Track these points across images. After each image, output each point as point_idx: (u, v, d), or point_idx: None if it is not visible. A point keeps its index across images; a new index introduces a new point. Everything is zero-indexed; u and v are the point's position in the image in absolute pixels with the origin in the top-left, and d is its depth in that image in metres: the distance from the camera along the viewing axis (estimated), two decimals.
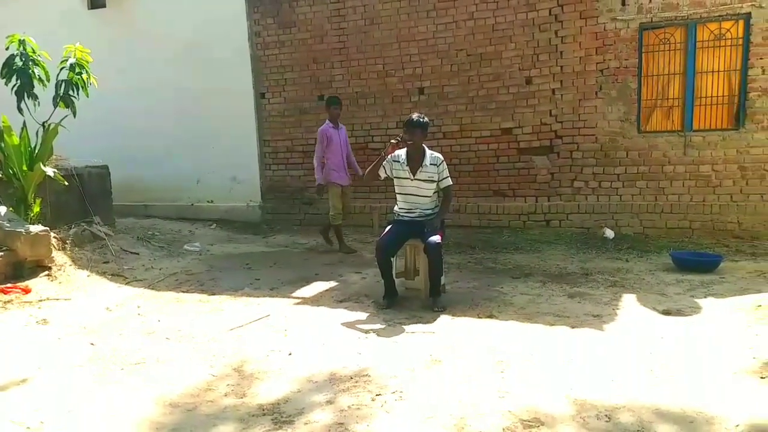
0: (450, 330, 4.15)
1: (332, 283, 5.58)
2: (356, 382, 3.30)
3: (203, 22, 8.89)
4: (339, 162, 6.97)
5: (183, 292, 5.47)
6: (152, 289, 5.58)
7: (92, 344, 4.05)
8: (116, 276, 5.94)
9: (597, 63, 7.21)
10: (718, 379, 3.14)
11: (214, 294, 5.34)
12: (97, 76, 6.43)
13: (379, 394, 3.12)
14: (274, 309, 4.80)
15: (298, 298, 5.17)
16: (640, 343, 3.76)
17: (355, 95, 8.40)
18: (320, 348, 3.86)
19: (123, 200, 8.85)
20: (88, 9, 9.65)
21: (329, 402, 3.07)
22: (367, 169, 5.00)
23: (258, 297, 5.19)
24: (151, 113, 9.31)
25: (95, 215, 7.04)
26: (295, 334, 4.18)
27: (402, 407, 2.98)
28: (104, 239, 6.70)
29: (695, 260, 5.72)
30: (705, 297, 4.73)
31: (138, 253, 6.75)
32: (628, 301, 4.73)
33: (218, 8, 8.84)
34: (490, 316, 4.42)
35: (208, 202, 9.37)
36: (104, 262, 6.26)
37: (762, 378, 3.09)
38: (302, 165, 8.85)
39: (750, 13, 6.59)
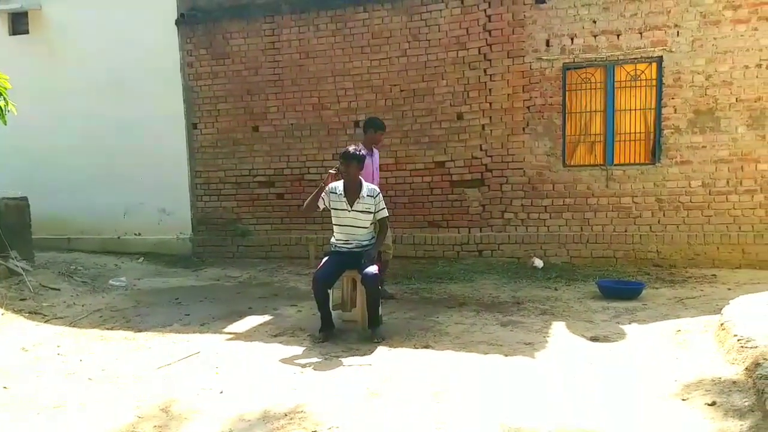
0: (387, 361, 4.13)
1: (266, 317, 5.46)
2: (291, 419, 3.21)
3: (132, 51, 8.70)
4: None
5: (107, 329, 5.21)
6: (74, 326, 5.28)
7: (5, 388, 3.78)
8: (34, 314, 5.60)
9: (524, 100, 7.53)
10: (644, 403, 3.26)
11: (140, 331, 5.11)
12: (17, 103, 6.15)
13: (315, 431, 3.05)
14: (205, 345, 4.64)
15: (230, 333, 5.02)
16: (570, 369, 3.86)
17: (290, 127, 8.40)
18: (253, 385, 3.75)
19: (44, 233, 8.42)
20: (9, 35, 9.29)
21: None
22: (306, 201, 4.98)
23: (188, 333, 5.01)
24: (76, 143, 8.97)
25: (12, 249, 6.65)
26: (226, 371, 4.04)
27: None
28: (21, 275, 6.33)
29: (619, 288, 5.97)
30: (629, 323, 4.93)
31: (59, 289, 6.40)
32: (558, 328, 4.86)
33: (148, 38, 8.69)
34: (427, 346, 4.44)
35: (135, 234, 9.04)
36: (21, 299, 5.90)
37: (683, 400, 3.24)
38: (235, 196, 8.72)
39: (662, 57, 7.08)
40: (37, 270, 6.82)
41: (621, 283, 6.23)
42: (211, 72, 8.66)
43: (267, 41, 8.40)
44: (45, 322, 5.43)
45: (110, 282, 7.02)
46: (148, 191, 8.83)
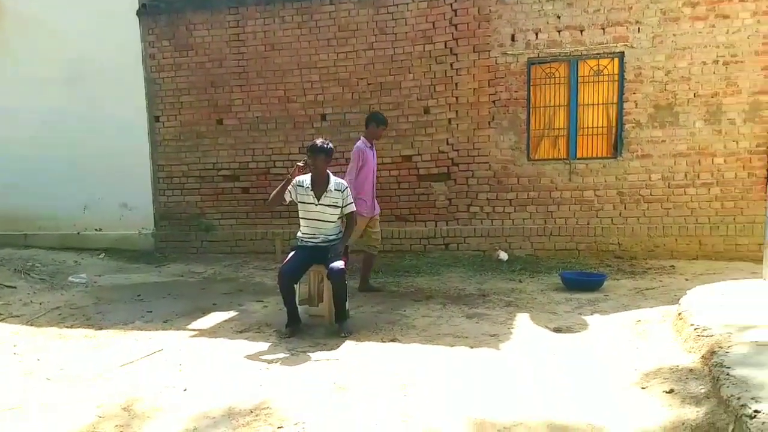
0: (354, 355, 4.12)
1: (231, 313, 5.40)
2: (256, 415, 3.18)
3: (92, 42, 8.47)
4: (369, 188, 5.88)
5: (67, 327, 5.08)
6: (31, 325, 5.13)
7: None
8: None
9: (489, 94, 7.59)
10: (605, 392, 3.33)
11: (101, 328, 5.00)
12: None
13: (281, 427, 3.03)
14: (168, 342, 4.56)
15: (194, 330, 4.94)
16: (534, 360, 3.92)
17: (255, 120, 8.30)
18: (218, 382, 3.70)
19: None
20: None
21: None
22: (272, 194, 4.92)
23: (150, 330, 4.92)
24: (32, 136, 8.71)
25: None
26: (190, 368, 3.98)
27: None
28: None
29: (582, 280, 6.09)
30: (591, 314, 5.03)
31: (15, 287, 6.22)
32: (522, 320, 4.93)
33: (109, 28, 8.46)
34: (394, 340, 4.45)
35: (96, 230, 8.83)
36: None
37: (643, 388, 3.31)
38: (199, 190, 8.59)
39: (623, 53, 7.22)
40: None
41: (583, 275, 6.35)
42: (174, 64, 8.49)
43: (231, 33, 8.27)
44: (0, 321, 5.26)
45: (69, 279, 6.85)
46: (109, 186, 8.63)
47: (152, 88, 8.57)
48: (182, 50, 8.45)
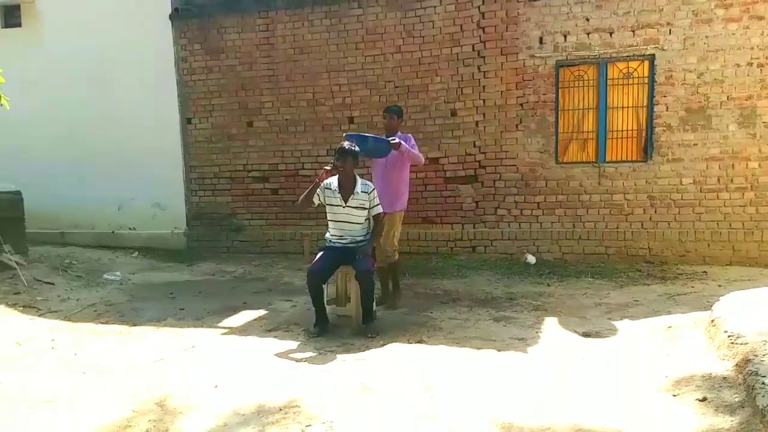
0: (381, 356, 4.16)
1: (261, 312, 5.49)
2: (285, 413, 3.24)
3: (127, 45, 8.65)
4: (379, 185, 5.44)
5: (102, 323, 5.22)
6: (68, 320, 5.28)
7: None
8: (28, 308, 5.59)
9: (517, 97, 7.55)
10: (635, 398, 3.30)
11: (135, 325, 5.13)
12: (8, 98, 6.12)
13: (309, 425, 3.08)
14: (200, 340, 4.66)
15: (224, 328, 5.04)
16: (563, 365, 3.91)
17: (285, 122, 8.40)
18: (248, 379, 3.78)
19: (38, 227, 8.40)
20: (2, 27, 9.22)
21: None
22: (301, 197, 5.00)
23: (182, 327, 5.03)
24: (69, 137, 8.93)
25: (5, 243, 6.63)
26: (221, 365, 4.07)
27: None
28: (15, 269, 6.31)
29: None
30: (621, 319, 4.98)
31: (53, 284, 6.39)
32: (550, 324, 4.91)
33: (142, 33, 8.64)
34: (420, 341, 4.47)
35: (129, 229, 9.02)
36: (15, 294, 5.89)
37: (674, 396, 3.28)
38: (230, 191, 8.72)
39: (654, 55, 7.12)
40: (31, 264, 6.80)
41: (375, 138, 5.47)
42: (205, 67, 8.64)
43: (261, 36, 8.39)
44: (39, 316, 5.43)
45: (105, 276, 7.01)
46: (143, 185, 8.82)
47: (184, 90, 8.74)
48: (213, 53, 8.59)
